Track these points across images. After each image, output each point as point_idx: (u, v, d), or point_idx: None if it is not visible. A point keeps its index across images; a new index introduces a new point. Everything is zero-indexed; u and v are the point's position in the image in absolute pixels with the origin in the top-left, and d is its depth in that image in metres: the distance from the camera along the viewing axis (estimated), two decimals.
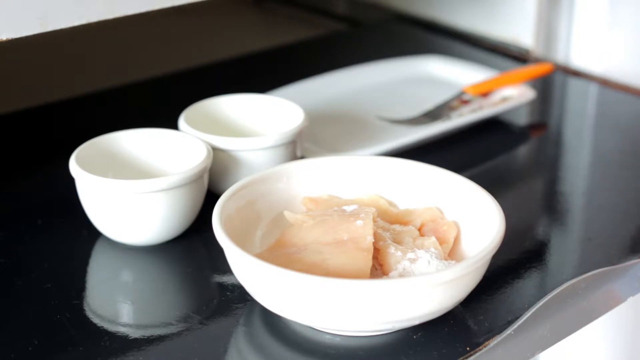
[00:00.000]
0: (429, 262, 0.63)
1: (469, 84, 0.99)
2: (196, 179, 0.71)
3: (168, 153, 0.76)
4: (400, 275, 0.62)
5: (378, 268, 0.64)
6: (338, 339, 0.61)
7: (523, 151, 0.89)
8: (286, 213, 0.68)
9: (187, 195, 0.71)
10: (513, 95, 0.96)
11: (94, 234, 0.73)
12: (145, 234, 0.71)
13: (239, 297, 0.66)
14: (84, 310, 0.65)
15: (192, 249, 0.73)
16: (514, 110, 0.95)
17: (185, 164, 0.74)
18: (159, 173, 0.76)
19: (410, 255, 0.63)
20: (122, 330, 0.63)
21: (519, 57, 1.13)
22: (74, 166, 0.70)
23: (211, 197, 0.72)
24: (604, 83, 1.05)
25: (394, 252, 0.63)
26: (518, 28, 1.13)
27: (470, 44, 1.17)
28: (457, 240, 0.67)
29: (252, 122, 0.84)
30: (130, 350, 0.61)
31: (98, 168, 0.72)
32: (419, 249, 0.65)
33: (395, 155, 0.77)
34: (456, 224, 0.68)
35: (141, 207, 0.69)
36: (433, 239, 0.66)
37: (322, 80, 1.01)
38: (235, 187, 0.67)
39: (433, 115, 0.94)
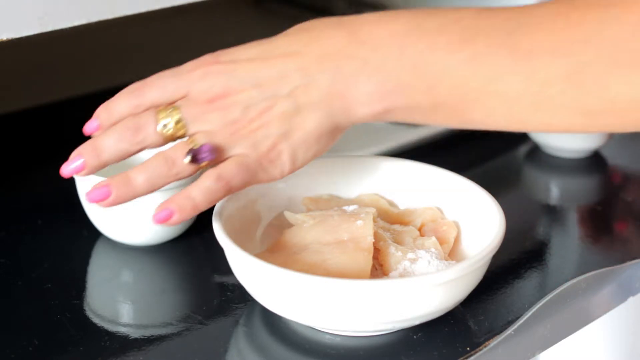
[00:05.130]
0: (429, 262, 0.63)
1: None
2: (196, 178, 0.71)
3: None
4: (401, 276, 0.62)
5: (378, 268, 0.64)
6: (338, 339, 0.61)
7: (523, 151, 0.89)
8: (286, 213, 0.68)
9: None
10: None
11: (94, 234, 0.73)
12: (145, 234, 0.71)
13: (239, 297, 0.66)
14: (84, 310, 0.65)
15: (192, 249, 0.73)
16: None
17: None
18: None
19: (410, 255, 0.63)
20: (122, 330, 0.63)
21: None
22: None
23: None
24: None
25: (394, 252, 0.63)
26: None
27: None
28: (457, 240, 0.67)
29: None
30: (130, 350, 0.61)
31: None
32: (419, 249, 0.64)
33: (395, 155, 0.77)
34: (456, 224, 0.68)
35: (141, 207, 0.69)
36: (433, 239, 0.66)
37: None
38: None
39: None
